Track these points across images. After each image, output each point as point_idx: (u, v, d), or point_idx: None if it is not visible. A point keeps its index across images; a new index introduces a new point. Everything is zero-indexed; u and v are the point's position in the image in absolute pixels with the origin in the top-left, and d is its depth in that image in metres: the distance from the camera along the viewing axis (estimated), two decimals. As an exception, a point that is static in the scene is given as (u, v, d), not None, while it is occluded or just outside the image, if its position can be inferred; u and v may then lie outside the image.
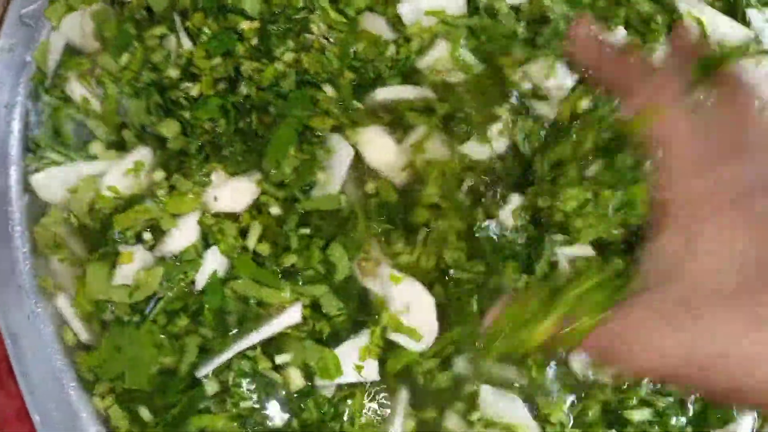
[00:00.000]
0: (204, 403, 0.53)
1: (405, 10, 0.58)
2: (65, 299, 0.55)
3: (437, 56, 0.58)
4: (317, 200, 0.56)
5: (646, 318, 0.33)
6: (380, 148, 0.57)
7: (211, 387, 0.53)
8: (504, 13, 0.59)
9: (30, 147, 0.57)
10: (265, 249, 0.54)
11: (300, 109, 0.56)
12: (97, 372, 0.53)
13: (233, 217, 0.55)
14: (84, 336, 0.54)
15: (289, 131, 0.56)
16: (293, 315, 0.53)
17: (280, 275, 0.54)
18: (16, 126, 0.57)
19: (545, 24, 0.59)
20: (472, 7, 0.59)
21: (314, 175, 0.56)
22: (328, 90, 0.57)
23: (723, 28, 0.61)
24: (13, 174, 0.56)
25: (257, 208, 0.55)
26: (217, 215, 0.55)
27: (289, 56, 0.58)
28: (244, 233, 0.55)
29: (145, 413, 0.53)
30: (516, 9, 0.59)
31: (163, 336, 0.53)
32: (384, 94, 0.58)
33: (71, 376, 0.53)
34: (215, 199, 0.54)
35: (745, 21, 0.63)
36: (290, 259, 0.54)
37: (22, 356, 0.53)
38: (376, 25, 0.59)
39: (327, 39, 0.58)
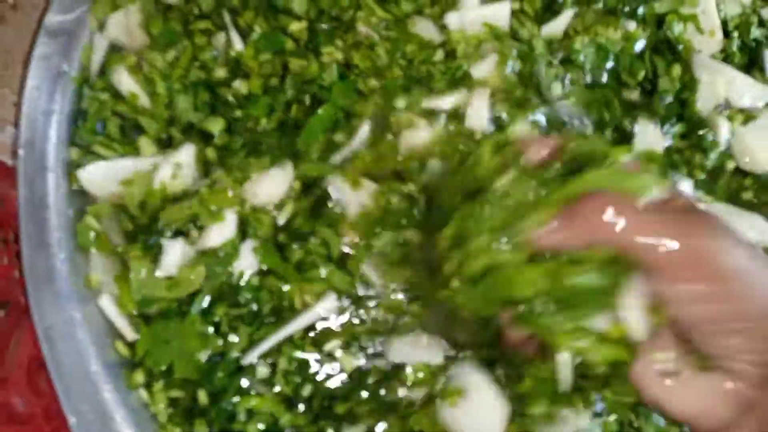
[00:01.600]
0: (252, 387, 0.55)
1: (451, 20, 0.61)
2: (109, 298, 0.56)
3: (487, 69, 0.59)
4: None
5: None
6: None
7: (261, 370, 0.55)
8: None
9: (76, 142, 0.59)
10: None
11: (343, 97, 0.59)
12: (144, 362, 0.55)
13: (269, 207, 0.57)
14: (130, 335, 0.56)
15: (326, 116, 0.58)
16: (328, 304, 0.56)
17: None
18: (53, 133, 0.58)
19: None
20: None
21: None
22: (374, 83, 0.60)
23: (741, 87, 0.64)
24: (51, 181, 0.57)
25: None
26: (254, 208, 0.57)
27: (337, 54, 0.60)
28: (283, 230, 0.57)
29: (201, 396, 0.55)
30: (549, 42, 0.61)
31: (207, 327, 0.55)
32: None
33: (106, 379, 0.54)
34: (253, 193, 0.57)
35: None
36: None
37: (59, 360, 0.54)
38: (424, 28, 0.61)
39: (376, 34, 0.61)
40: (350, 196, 0.57)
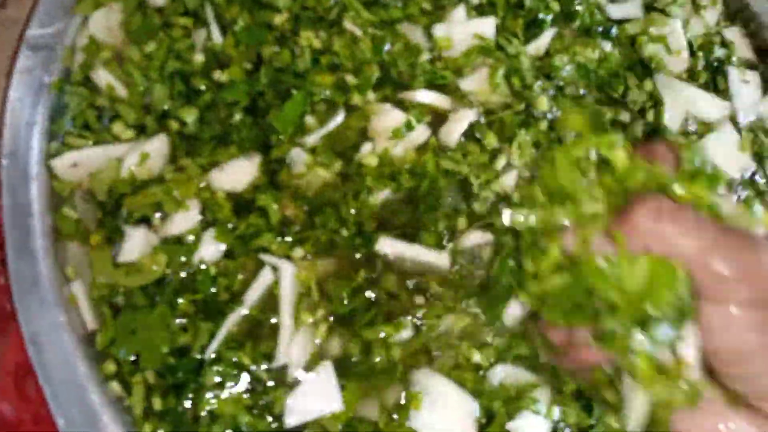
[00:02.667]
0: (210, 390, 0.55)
1: (439, 31, 0.65)
2: (80, 285, 0.57)
3: (476, 83, 0.63)
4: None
5: None
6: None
7: (210, 378, 0.55)
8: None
9: (52, 133, 0.60)
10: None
11: (315, 84, 0.61)
12: (111, 350, 0.55)
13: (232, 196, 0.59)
14: (92, 325, 0.56)
15: (301, 100, 0.61)
16: (263, 277, 0.57)
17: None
18: (36, 144, 0.59)
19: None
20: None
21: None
22: (350, 79, 0.62)
23: (701, 105, 0.68)
24: (34, 189, 0.58)
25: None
26: (216, 194, 0.58)
27: (315, 41, 0.63)
28: (237, 212, 0.58)
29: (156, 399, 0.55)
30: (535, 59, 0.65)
31: (174, 319, 0.55)
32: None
33: (93, 381, 0.54)
34: (219, 181, 0.58)
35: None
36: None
37: (46, 364, 0.53)
38: (411, 32, 0.65)
39: (361, 31, 0.64)
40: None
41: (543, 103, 0.64)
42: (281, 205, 0.58)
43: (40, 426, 0.63)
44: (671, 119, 0.66)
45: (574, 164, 0.48)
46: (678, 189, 0.44)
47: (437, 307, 0.59)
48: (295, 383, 0.55)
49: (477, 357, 0.58)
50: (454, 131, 0.62)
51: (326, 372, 0.55)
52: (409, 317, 0.58)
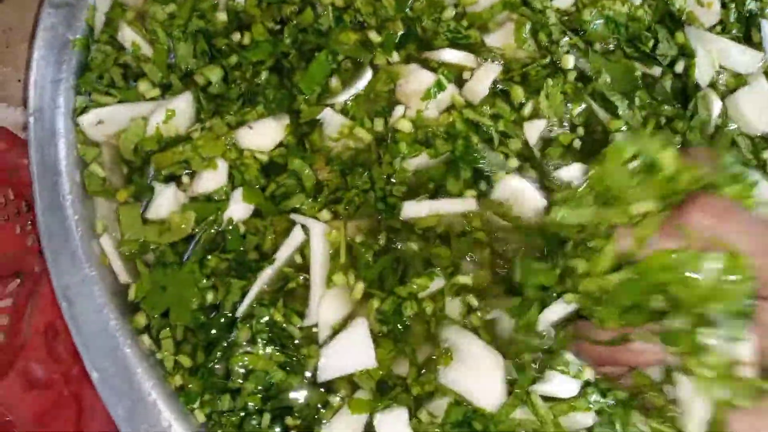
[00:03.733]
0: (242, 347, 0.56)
1: None
2: (108, 239, 0.57)
3: (502, 38, 0.62)
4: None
5: None
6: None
7: (244, 334, 0.55)
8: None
9: (80, 90, 0.60)
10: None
11: (339, 42, 0.60)
12: (142, 305, 0.56)
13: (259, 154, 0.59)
14: (123, 277, 0.57)
15: (325, 60, 0.60)
16: (295, 236, 0.57)
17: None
18: (62, 101, 0.59)
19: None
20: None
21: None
22: (374, 36, 0.62)
23: (735, 56, 0.66)
24: (62, 146, 0.58)
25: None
26: (245, 153, 0.58)
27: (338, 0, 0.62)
28: (266, 172, 0.59)
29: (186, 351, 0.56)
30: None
31: (203, 276, 0.56)
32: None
33: (125, 333, 0.55)
34: (246, 140, 0.58)
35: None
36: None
37: (78, 318, 0.54)
38: None
39: None
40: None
41: (568, 62, 0.63)
42: (314, 168, 0.58)
43: (70, 386, 0.64)
44: (702, 72, 0.65)
45: (623, 166, 0.48)
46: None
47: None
48: (328, 340, 0.55)
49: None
50: (479, 88, 0.61)
51: (360, 329, 0.55)
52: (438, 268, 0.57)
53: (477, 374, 0.55)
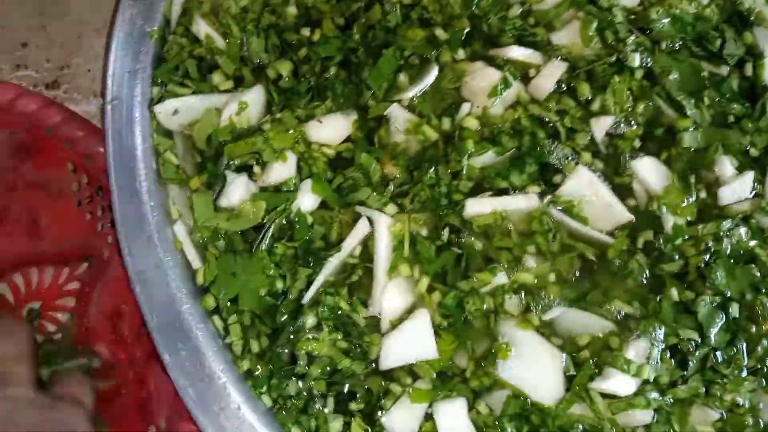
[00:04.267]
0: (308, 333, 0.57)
1: None
2: (181, 226, 0.59)
3: (568, 36, 0.62)
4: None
5: None
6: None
7: (310, 320, 0.57)
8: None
9: (156, 81, 0.62)
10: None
11: (406, 39, 0.62)
12: (211, 289, 0.58)
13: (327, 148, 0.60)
14: (195, 263, 0.59)
15: (392, 56, 0.61)
16: (361, 227, 0.58)
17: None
18: (139, 90, 0.61)
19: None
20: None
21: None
22: (440, 33, 0.62)
23: None
24: (138, 134, 0.60)
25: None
26: (313, 146, 0.60)
27: None
28: (333, 165, 0.60)
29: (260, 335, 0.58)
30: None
31: (272, 264, 0.57)
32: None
33: (197, 318, 0.57)
34: (315, 134, 0.60)
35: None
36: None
37: (152, 302, 0.56)
38: None
39: None
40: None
41: (634, 59, 0.63)
42: (381, 163, 0.59)
43: (134, 368, 0.66)
44: None
45: None
46: None
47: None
48: (390, 329, 0.56)
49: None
50: (545, 84, 0.62)
51: (423, 320, 0.56)
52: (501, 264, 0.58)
53: (536, 369, 0.56)
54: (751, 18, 0.66)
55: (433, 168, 0.59)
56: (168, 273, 0.57)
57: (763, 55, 0.64)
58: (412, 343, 0.56)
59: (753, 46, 0.65)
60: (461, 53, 0.63)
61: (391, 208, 0.59)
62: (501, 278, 0.57)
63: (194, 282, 0.58)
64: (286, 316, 0.57)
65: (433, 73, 0.62)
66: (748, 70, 0.64)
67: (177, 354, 0.56)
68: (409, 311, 0.58)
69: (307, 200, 0.59)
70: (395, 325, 0.57)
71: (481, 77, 0.61)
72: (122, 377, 0.65)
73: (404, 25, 0.63)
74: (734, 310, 0.57)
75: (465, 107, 0.61)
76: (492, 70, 0.61)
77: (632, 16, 0.64)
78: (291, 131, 0.60)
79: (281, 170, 0.59)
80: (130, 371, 0.65)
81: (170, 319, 0.57)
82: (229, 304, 0.58)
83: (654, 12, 0.64)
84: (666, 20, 0.64)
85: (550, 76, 0.62)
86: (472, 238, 0.58)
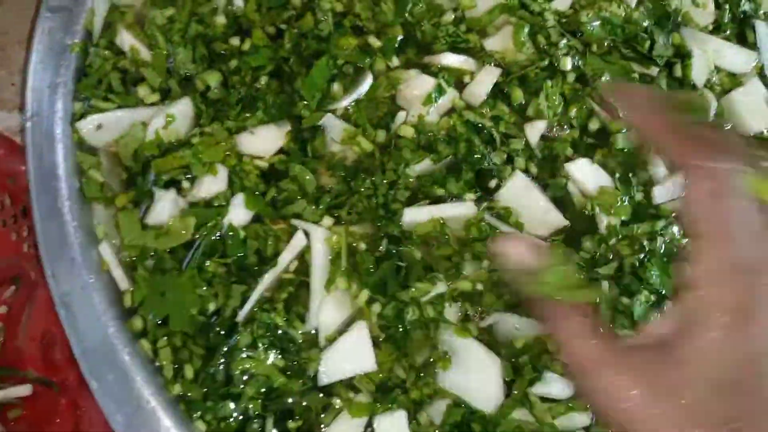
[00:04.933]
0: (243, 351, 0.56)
1: None
2: (107, 246, 0.57)
3: (501, 42, 0.62)
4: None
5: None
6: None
7: (245, 338, 0.55)
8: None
9: (78, 96, 0.60)
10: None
11: (339, 48, 0.60)
12: (139, 311, 0.56)
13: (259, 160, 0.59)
14: (123, 284, 0.57)
15: (326, 65, 0.60)
16: (296, 241, 0.57)
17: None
18: (60, 106, 0.59)
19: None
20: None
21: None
22: (373, 41, 0.62)
23: (729, 57, 0.67)
24: (60, 152, 0.58)
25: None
26: (245, 159, 0.58)
27: (337, 4, 0.62)
28: (266, 178, 0.59)
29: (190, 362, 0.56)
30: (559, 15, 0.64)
31: (203, 282, 0.56)
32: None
33: (124, 341, 0.54)
34: (246, 146, 0.58)
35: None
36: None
37: (77, 325, 0.54)
38: None
39: None
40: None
41: (566, 63, 0.63)
42: (317, 174, 0.58)
43: (67, 394, 0.63)
44: (698, 72, 0.65)
45: None
46: None
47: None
48: (328, 345, 0.56)
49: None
50: (479, 91, 0.62)
51: (361, 333, 0.55)
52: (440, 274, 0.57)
53: (475, 376, 0.56)
54: (679, 19, 0.67)
55: (370, 178, 0.59)
56: (93, 296, 0.55)
57: (691, 54, 0.65)
58: (350, 357, 0.55)
59: (681, 46, 0.66)
60: (395, 61, 0.62)
61: (327, 220, 0.58)
62: (440, 287, 0.57)
63: (121, 305, 0.56)
64: (219, 336, 0.56)
65: (368, 82, 0.61)
66: (677, 70, 0.66)
67: (104, 379, 0.54)
68: (348, 324, 0.57)
69: (239, 215, 0.58)
70: (333, 339, 0.56)
71: (416, 85, 0.61)
72: (53, 405, 0.62)
73: (337, 33, 0.62)
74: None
75: (400, 116, 0.61)
76: (426, 78, 0.61)
77: (563, 20, 0.65)
78: (221, 144, 0.58)
79: (212, 184, 0.57)
80: (62, 398, 0.62)
81: (97, 343, 0.55)
82: (158, 325, 0.56)
83: (584, 15, 0.64)
84: (596, 23, 0.64)
85: (484, 83, 0.62)
86: (412, 248, 0.58)
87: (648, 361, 0.33)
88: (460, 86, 0.63)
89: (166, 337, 0.56)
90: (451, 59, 0.62)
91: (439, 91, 0.61)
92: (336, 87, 0.61)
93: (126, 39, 0.61)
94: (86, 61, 0.61)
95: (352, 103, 0.61)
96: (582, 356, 0.35)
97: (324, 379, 0.55)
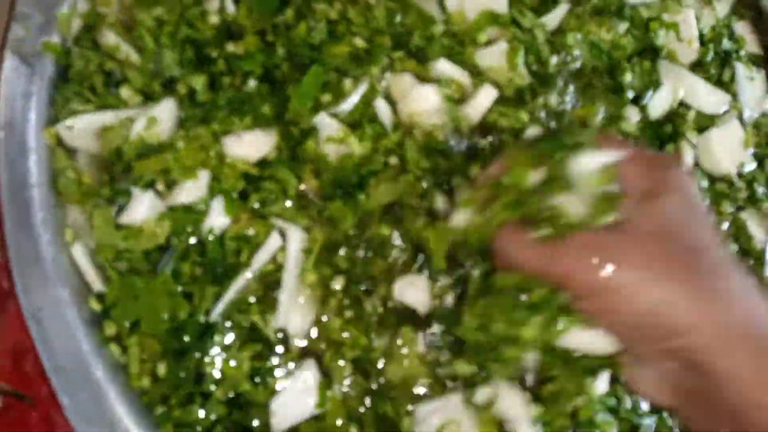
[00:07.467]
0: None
1: (451, 2, 0.64)
2: (80, 248, 0.56)
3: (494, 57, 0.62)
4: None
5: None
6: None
7: (218, 339, 0.55)
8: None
9: (54, 102, 0.58)
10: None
11: (332, 56, 0.60)
12: (112, 314, 0.55)
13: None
14: (97, 286, 0.56)
15: (318, 73, 0.59)
16: (273, 242, 0.57)
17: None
18: (33, 115, 0.57)
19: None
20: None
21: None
22: (366, 48, 0.62)
23: (701, 95, 0.68)
24: (32, 162, 0.56)
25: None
26: (228, 162, 0.58)
27: (330, 12, 0.62)
28: (249, 181, 0.58)
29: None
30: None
31: (177, 286, 0.55)
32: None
33: (97, 358, 0.53)
34: (232, 150, 0.57)
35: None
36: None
37: (48, 340, 0.53)
38: (425, 2, 0.64)
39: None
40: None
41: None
42: (303, 179, 0.58)
43: (39, 407, 0.62)
44: (654, 105, 0.66)
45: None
46: None
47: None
48: (299, 353, 0.56)
49: None
50: (475, 112, 0.62)
51: (309, 372, 0.55)
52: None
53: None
54: (663, 53, 0.67)
55: (354, 183, 0.59)
56: (66, 312, 0.54)
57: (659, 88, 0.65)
58: (298, 400, 0.55)
59: (653, 78, 0.66)
60: (388, 70, 0.62)
61: (306, 221, 0.58)
62: None
63: (93, 320, 0.55)
64: (192, 338, 0.55)
65: (360, 90, 0.61)
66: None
67: (76, 396, 0.53)
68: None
69: (218, 218, 0.57)
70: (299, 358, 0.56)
71: (411, 92, 0.61)
72: (25, 418, 0.61)
73: (329, 41, 0.61)
74: None
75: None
76: (422, 87, 0.61)
77: (551, 38, 0.64)
78: (205, 147, 0.57)
79: (192, 188, 0.57)
80: (34, 412, 0.61)
81: (69, 358, 0.54)
82: (129, 328, 0.55)
83: (571, 37, 0.64)
84: (582, 47, 0.64)
85: (481, 104, 0.61)
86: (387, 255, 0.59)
87: (597, 239, 0.42)
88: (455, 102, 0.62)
89: (136, 337, 0.55)
90: (443, 68, 0.62)
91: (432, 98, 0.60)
92: (327, 95, 0.60)
93: (109, 39, 0.60)
94: (66, 61, 0.60)
95: (344, 111, 0.60)
96: (539, 259, 0.44)
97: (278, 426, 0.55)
